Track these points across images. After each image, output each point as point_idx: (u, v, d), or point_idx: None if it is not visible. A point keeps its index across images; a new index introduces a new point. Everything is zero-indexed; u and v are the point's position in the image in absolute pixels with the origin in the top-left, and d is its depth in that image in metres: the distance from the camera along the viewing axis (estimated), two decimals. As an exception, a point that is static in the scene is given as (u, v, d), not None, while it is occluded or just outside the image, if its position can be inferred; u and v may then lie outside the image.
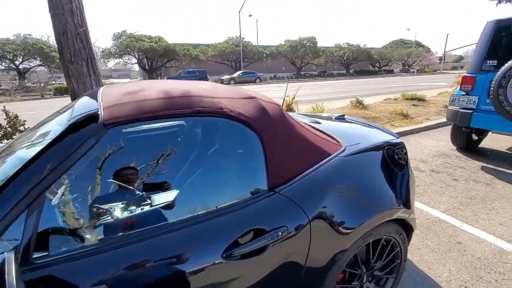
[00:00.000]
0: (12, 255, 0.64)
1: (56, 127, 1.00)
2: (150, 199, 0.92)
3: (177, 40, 32.97)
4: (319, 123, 1.87)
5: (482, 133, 4.25)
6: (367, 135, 1.74)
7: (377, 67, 46.11)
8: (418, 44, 52.48)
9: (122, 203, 0.90)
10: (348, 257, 1.22)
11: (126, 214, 0.89)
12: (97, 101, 1.03)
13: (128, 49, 27.45)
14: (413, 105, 7.68)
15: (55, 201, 0.82)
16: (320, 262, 1.14)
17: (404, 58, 46.54)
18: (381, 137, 1.69)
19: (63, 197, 0.84)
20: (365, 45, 41.63)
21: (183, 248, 0.88)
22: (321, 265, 1.14)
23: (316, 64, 38.01)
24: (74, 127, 0.87)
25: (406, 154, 1.66)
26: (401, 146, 1.67)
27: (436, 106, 7.65)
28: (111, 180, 0.92)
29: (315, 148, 1.26)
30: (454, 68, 59.24)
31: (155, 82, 1.29)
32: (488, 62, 3.56)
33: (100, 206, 0.88)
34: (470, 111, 3.69)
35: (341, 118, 2.21)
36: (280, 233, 0.99)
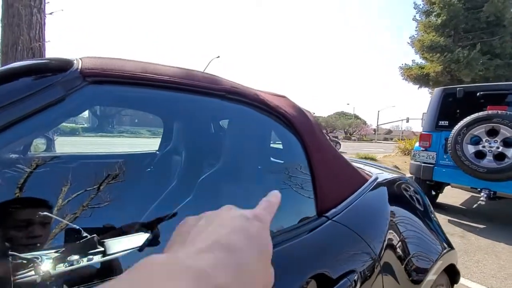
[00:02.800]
0: None
1: None
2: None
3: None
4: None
5: (439, 188, 4.52)
6: (379, 171, 1.57)
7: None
8: (356, 117, 60.97)
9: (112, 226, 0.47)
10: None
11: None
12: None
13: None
14: (368, 163, 8.23)
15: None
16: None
17: (346, 127, 52.99)
18: (392, 173, 1.54)
19: None
20: (314, 113, 46.58)
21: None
22: None
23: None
24: (26, 70, 0.49)
25: (419, 188, 1.52)
26: (411, 182, 1.52)
27: (387, 165, 8.30)
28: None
29: (353, 169, 1.01)
30: (385, 139, 68.97)
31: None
32: (440, 122, 4.00)
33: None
34: (431, 166, 3.95)
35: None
36: (352, 281, 0.62)
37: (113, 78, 0.52)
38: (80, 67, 0.50)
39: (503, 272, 2.39)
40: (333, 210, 0.78)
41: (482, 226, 3.59)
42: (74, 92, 0.47)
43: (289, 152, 0.80)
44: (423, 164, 4.02)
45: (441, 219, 3.82)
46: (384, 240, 0.83)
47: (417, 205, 1.30)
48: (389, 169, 1.79)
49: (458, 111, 3.88)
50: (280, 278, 0.53)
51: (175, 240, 0.21)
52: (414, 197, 1.36)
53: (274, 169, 0.80)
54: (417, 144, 4.26)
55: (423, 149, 4.10)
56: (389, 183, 1.19)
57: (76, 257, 0.47)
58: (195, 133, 0.72)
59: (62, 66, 0.50)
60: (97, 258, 0.48)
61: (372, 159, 9.01)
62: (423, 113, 4.81)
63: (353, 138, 50.37)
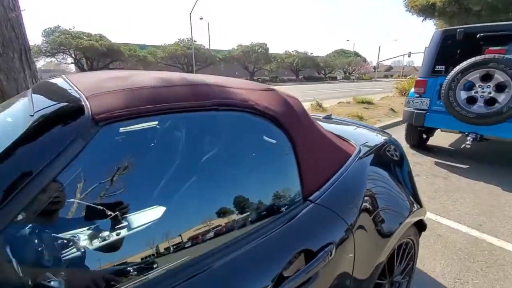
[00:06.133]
0: None
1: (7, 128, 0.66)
2: (168, 222, 0.65)
3: (120, 40, 30.27)
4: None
5: (430, 132, 4.70)
6: (366, 135, 1.69)
7: (322, 74, 49.50)
8: (356, 54, 58.15)
9: (127, 230, 0.62)
10: (382, 265, 1.10)
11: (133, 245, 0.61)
12: (69, 88, 0.72)
13: (63, 47, 24.24)
14: (364, 108, 8.28)
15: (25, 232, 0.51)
16: (363, 273, 0.99)
17: (345, 66, 51.05)
18: (379, 136, 1.65)
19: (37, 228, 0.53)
20: (312, 53, 44.43)
21: (227, 283, 0.64)
22: (364, 276, 1.00)
23: (268, 69, 39.11)
24: (47, 123, 0.57)
25: (403, 151, 1.64)
26: (397, 144, 1.65)
27: (383, 108, 8.37)
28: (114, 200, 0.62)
29: (337, 148, 1.12)
30: (386, 76, 67.18)
31: (140, 71, 1.01)
32: (437, 67, 3.95)
33: (101, 235, 0.59)
34: (424, 112, 4.05)
35: (328, 118, 2.14)
36: (328, 252, 0.81)
37: (121, 117, 0.61)
38: (90, 114, 0.57)
39: (477, 210, 2.71)
40: (316, 193, 0.93)
41: (465, 167, 3.88)
42: (92, 138, 0.56)
43: (277, 145, 0.91)
44: (415, 111, 4.10)
45: (428, 161, 4.10)
46: (359, 210, 1.00)
47: (397, 168, 1.46)
48: (377, 130, 1.89)
49: (457, 54, 3.79)
50: (271, 256, 0.70)
51: None
52: (396, 160, 1.51)
53: (266, 162, 0.92)
54: (412, 90, 4.28)
55: (418, 95, 4.14)
56: (371, 152, 1.31)
57: (106, 233, 0.60)
58: (197, 140, 0.82)
59: (74, 115, 0.57)
60: (124, 232, 0.61)
61: (369, 102, 9.03)
62: (425, 47, 4.68)
63: (352, 77, 49.03)
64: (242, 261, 0.70)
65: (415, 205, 1.30)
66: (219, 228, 0.73)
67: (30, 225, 0.53)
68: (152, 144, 0.74)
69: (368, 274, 1.03)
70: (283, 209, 0.86)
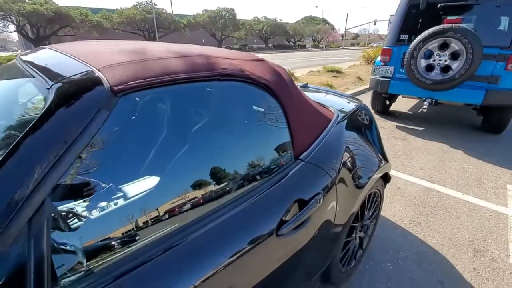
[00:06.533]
0: None
1: (18, 105, 0.68)
2: (185, 185, 0.75)
3: (69, 3, 26.57)
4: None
5: (393, 98, 5.08)
6: (341, 101, 1.85)
7: (292, 42, 48.85)
8: (325, 22, 57.71)
9: (148, 194, 0.70)
10: (356, 211, 1.31)
11: (164, 202, 0.71)
12: (71, 59, 0.74)
13: (2, 13, 20.83)
14: (334, 76, 8.55)
15: (66, 204, 0.58)
16: (342, 220, 1.20)
17: (314, 34, 50.68)
18: (351, 102, 1.82)
19: (74, 197, 0.60)
20: (281, 20, 43.19)
21: (238, 230, 0.77)
22: (343, 223, 1.20)
23: (237, 37, 37.59)
24: (69, 95, 0.61)
25: (372, 115, 1.85)
26: (367, 108, 1.84)
27: (351, 77, 8.72)
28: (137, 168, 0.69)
29: (320, 114, 1.26)
30: (353, 44, 68.22)
31: (141, 42, 1.02)
32: (401, 36, 4.19)
33: (121, 201, 0.67)
34: (388, 79, 4.35)
35: (305, 86, 2.26)
36: (318, 200, 0.97)
37: (138, 88, 0.66)
38: (109, 85, 0.62)
39: (429, 165, 3.13)
40: (305, 153, 1.07)
41: (421, 129, 4.34)
42: (113, 108, 0.62)
43: (271, 111, 1.01)
44: (381, 79, 4.39)
45: (391, 125, 4.51)
46: (339, 166, 1.17)
47: (367, 130, 1.66)
48: (350, 97, 2.06)
49: (419, 24, 4.03)
50: (273, 206, 0.84)
51: None
52: (366, 124, 1.70)
53: (263, 128, 1.03)
54: (378, 58, 4.52)
55: (383, 63, 4.40)
56: (347, 117, 1.48)
57: (104, 203, 0.65)
58: (200, 107, 0.89)
59: (93, 86, 0.62)
60: (121, 202, 0.68)
61: (338, 71, 9.31)
62: (390, 15, 4.89)
63: (321, 45, 49.08)
64: (251, 209, 0.83)
65: (382, 161, 1.51)
66: (227, 185, 0.85)
67: (68, 195, 0.59)
68: (163, 112, 0.80)
69: (346, 219, 1.23)
70: (279, 167, 0.99)
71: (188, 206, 0.76)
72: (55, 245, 0.56)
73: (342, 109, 1.57)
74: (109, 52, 0.79)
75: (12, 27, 23.48)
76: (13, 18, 21.66)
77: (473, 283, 1.60)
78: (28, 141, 0.54)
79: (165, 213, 0.72)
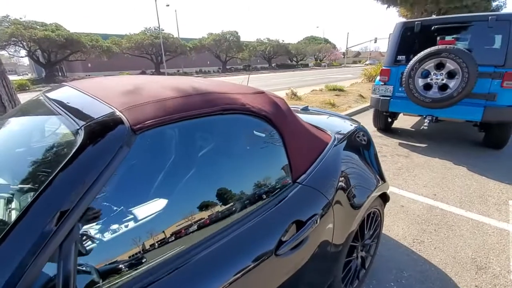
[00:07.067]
0: None
1: (50, 142, 0.79)
2: (195, 209, 0.84)
3: (80, 29, 27.97)
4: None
5: (394, 116, 5.18)
6: (339, 124, 1.94)
7: (294, 61, 50.08)
8: (326, 41, 59.28)
9: (164, 219, 0.79)
10: (355, 231, 1.37)
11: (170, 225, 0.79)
12: (94, 100, 0.86)
13: (14, 39, 22.06)
14: (336, 95, 8.72)
15: (93, 227, 0.67)
16: (341, 239, 1.25)
17: (316, 53, 51.96)
18: (350, 125, 1.92)
19: (100, 222, 0.69)
20: (283, 40, 44.60)
21: (241, 249, 0.85)
22: (341, 242, 1.25)
23: (241, 58, 38.74)
24: (96, 136, 0.71)
25: (370, 136, 1.93)
26: (365, 130, 1.93)
27: (353, 95, 8.88)
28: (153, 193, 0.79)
29: (316, 138, 1.35)
30: (354, 62, 69.49)
31: (140, 78, 1.15)
32: (399, 57, 4.35)
33: (141, 220, 0.76)
34: (388, 98, 4.46)
35: (305, 109, 2.38)
36: (315, 221, 1.04)
37: (153, 126, 0.77)
38: (129, 125, 0.73)
39: (432, 182, 3.16)
40: (303, 176, 1.15)
41: (424, 145, 4.38)
42: (132, 144, 0.72)
43: (270, 139, 1.11)
44: (381, 98, 4.51)
45: (393, 142, 4.56)
46: (336, 188, 1.24)
47: (365, 151, 1.73)
48: (348, 119, 2.16)
49: (415, 45, 4.20)
50: (271, 227, 0.92)
51: None
52: (364, 144, 1.78)
53: (263, 155, 1.12)
54: (378, 78, 4.66)
55: (382, 83, 4.53)
56: (344, 139, 1.57)
57: (115, 226, 0.76)
58: (206, 139, 1.00)
59: (116, 126, 0.73)
60: (131, 224, 0.78)
61: (340, 89, 9.50)
62: (390, 33, 5.08)
63: (323, 64, 50.21)
64: (252, 231, 0.90)
65: (379, 181, 1.58)
66: (229, 208, 0.93)
67: (93, 222, 0.68)
68: (174, 144, 0.91)
69: (344, 239, 1.29)
70: (278, 191, 1.07)
71: (194, 228, 0.84)
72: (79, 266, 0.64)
73: (340, 132, 1.66)
74: (126, 91, 0.91)
75: (23, 52, 24.64)
76: (24, 43, 22.75)
77: (477, 302, 1.60)
78: (65, 173, 0.64)
79: (171, 235, 0.80)
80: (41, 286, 0.57)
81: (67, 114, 0.85)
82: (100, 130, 0.72)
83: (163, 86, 0.98)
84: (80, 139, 0.71)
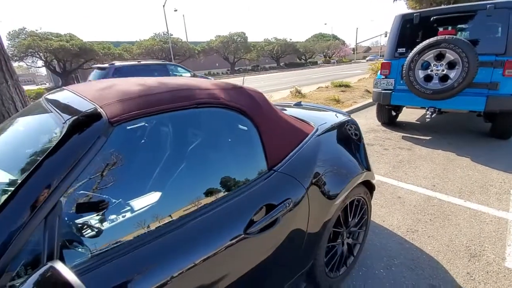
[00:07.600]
0: (58, 262, 0.62)
1: (43, 134, 0.91)
2: (168, 193, 0.93)
3: (92, 38, 28.97)
4: (285, 109, 2.04)
5: (398, 109, 5.13)
6: (328, 117, 2.00)
7: (303, 59, 49.78)
8: (335, 37, 58.50)
9: (139, 200, 0.89)
10: (334, 218, 1.43)
11: (149, 208, 0.89)
12: (80, 99, 0.97)
13: (31, 50, 23.13)
14: (342, 91, 8.68)
15: (72, 207, 0.78)
16: (317, 225, 1.32)
17: (325, 50, 51.42)
18: (338, 118, 1.97)
19: (77, 202, 0.80)
20: (291, 39, 44.44)
21: (211, 229, 0.93)
22: (318, 228, 1.32)
23: (249, 59, 38.93)
24: (77, 128, 0.82)
25: (358, 128, 1.97)
26: (354, 122, 1.97)
27: (359, 90, 8.80)
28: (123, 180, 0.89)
29: (296, 129, 1.42)
30: (365, 57, 68.26)
31: (131, 80, 1.26)
32: (399, 50, 4.32)
33: (117, 206, 0.86)
34: (390, 91, 4.44)
35: (298, 104, 2.44)
36: (287, 204, 1.12)
37: (129, 119, 0.87)
38: (107, 118, 0.84)
39: (433, 173, 3.14)
40: (279, 165, 1.23)
41: (428, 138, 4.33)
42: (109, 135, 0.83)
43: (246, 131, 1.19)
44: (383, 91, 4.49)
45: (397, 136, 4.53)
46: (313, 174, 1.31)
47: (351, 142, 1.78)
48: (340, 112, 2.20)
49: (415, 37, 4.16)
50: (244, 209, 1.00)
51: None
52: (350, 136, 1.82)
53: (238, 145, 1.21)
54: (379, 72, 4.64)
55: (384, 77, 4.51)
56: (327, 130, 1.62)
57: (113, 216, 0.88)
58: (182, 131, 1.10)
59: (95, 119, 0.83)
60: (128, 215, 0.89)
61: (346, 85, 9.44)
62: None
63: (332, 61, 49.69)
64: (228, 210, 0.99)
65: (361, 169, 1.63)
66: (208, 193, 1.02)
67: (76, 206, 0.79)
68: (151, 137, 1.01)
69: (321, 224, 1.34)
70: (254, 177, 1.15)
71: (172, 208, 0.94)
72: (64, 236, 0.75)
73: (325, 124, 1.72)
74: (112, 91, 1.02)
75: (40, 62, 25.78)
76: (41, 54, 23.84)
77: (465, 286, 1.62)
78: (50, 159, 0.75)
79: (153, 213, 0.90)
80: (29, 252, 0.68)
81: (56, 111, 0.97)
82: (81, 123, 0.83)
83: (146, 85, 1.08)
84: (64, 130, 0.82)
